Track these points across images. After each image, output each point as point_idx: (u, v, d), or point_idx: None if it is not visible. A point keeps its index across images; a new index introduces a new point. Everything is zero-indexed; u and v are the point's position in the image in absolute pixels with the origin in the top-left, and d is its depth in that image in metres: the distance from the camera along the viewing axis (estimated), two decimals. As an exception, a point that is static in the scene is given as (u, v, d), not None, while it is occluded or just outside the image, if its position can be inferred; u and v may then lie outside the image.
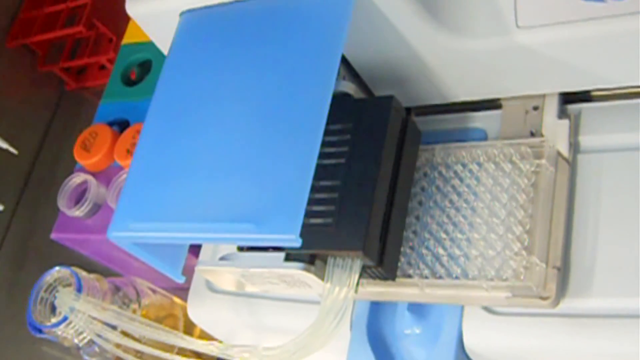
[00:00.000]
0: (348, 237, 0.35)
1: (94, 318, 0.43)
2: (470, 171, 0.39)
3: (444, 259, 0.38)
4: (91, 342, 0.47)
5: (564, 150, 0.38)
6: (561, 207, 0.37)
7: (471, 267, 0.37)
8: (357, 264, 0.36)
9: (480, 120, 0.42)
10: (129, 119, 0.55)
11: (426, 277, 0.38)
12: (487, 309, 0.38)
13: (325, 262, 0.37)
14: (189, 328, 0.54)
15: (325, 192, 0.37)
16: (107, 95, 0.58)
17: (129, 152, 0.51)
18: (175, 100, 0.37)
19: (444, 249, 0.38)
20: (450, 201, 0.39)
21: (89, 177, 0.52)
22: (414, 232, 0.39)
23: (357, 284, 0.36)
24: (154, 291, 0.51)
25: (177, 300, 0.53)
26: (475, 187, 0.39)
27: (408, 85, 0.41)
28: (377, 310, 0.41)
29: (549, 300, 0.35)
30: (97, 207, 0.52)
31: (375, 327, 0.41)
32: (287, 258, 0.37)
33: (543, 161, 0.38)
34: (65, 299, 0.44)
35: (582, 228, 0.37)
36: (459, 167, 0.40)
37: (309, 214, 0.37)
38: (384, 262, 0.36)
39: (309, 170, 0.31)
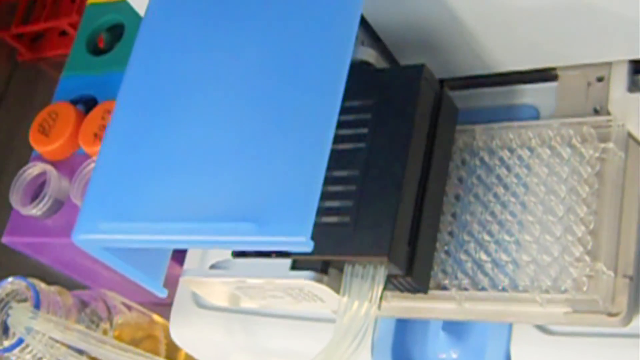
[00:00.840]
0: (370, 240, 0.35)
1: (56, 341, 0.42)
2: (520, 157, 0.39)
3: (488, 266, 0.37)
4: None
5: (637, 131, 0.37)
6: (633, 202, 0.36)
7: (521, 277, 0.36)
8: (381, 274, 0.35)
9: (531, 94, 0.41)
10: (97, 95, 0.54)
11: (465, 289, 0.37)
12: (541, 328, 0.37)
13: (341, 270, 0.36)
14: (172, 352, 0.53)
15: (341, 184, 0.36)
16: (70, 66, 0.57)
17: (97, 137, 0.50)
18: (155, 76, 0.37)
19: (488, 254, 0.37)
20: (495, 195, 0.38)
21: (49, 168, 0.51)
22: (450, 234, 0.38)
23: (381, 297, 0.35)
24: (129, 307, 0.50)
25: (157, 318, 0.53)
26: (526, 177, 0.38)
27: (441, 52, 0.40)
28: (404, 329, 0.41)
29: (619, 316, 0.35)
30: (58, 205, 0.51)
31: (402, 350, 0.40)
32: (294, 266, 0.36)
33: (610, 144, 0.37)
34: (20, 317, 0.43)
35: (659, 228, 0.36)
36: (505, 153, 0.39)
37: (321, 211, 0.36)
38: (413, 271, 0.36)
39: (321, 157, 0.30)
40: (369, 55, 0.38)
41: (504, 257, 0.37)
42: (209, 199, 0.32)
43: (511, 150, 0.39)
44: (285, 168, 0.31)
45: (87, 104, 0.54)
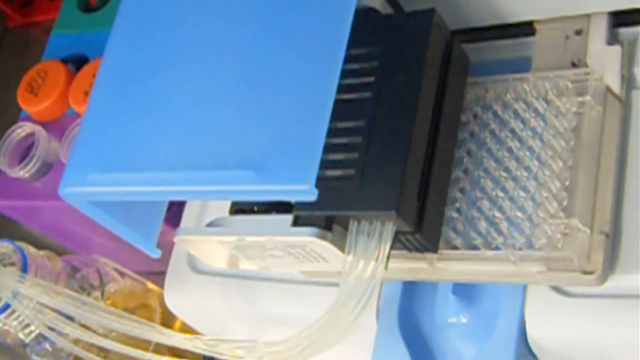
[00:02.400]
0: (377, 194, 0.33)
1: (45, 306, 0.40)
2: (495, 113, 0.37)
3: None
4: (40, 338, 0.44)
5: (615, 85, 0.36)
6: (610, 157, 0.35)
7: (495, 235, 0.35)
8: (389, 230, 0.33)
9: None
10: (88, 54, 0.52)
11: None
12: (557, 289, 0.35)
13: (345, 227, 0.34)
14: (168, 321, 0.51)
15: (345, 135, 0.34)
16: (60, 24, 0.55)
17: (88, 95, 0.48)
18: (146, 20, 0.35)
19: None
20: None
21: (37, 128, 0.49)
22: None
23: (388, 256, 0.33)
24: (122, 274, 0.48)
25: (151, 286, 0.51)
26: (500, 132, 0.36)
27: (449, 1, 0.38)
28: (411, 294, 0.39)
29: (594, 275, 0.33)
30: (47, 167, 0.49)
31: (409, 315, 0.38)
32: (296, 222, 0.34)
33: (587, 98, 0.35)
34: (6, 281, 0.41)
35: (637, 184, 0.35)
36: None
37: (324, 164, 0.34)
38: (423, 228, 0.34)
39: (326, 100, 0.28)
40: (375, 1, 0.36)
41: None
42: (205, 146, 0.30)
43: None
44: (287, 112, 0.29)
45: (78, 62, 0.51)
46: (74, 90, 0.49)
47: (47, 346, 0.45)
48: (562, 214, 0.34)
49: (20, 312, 0.40)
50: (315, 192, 0.28)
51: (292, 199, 0.28)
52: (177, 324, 0.52)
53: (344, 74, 0.30)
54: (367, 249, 0.33)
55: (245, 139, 0.29)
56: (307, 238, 0.33)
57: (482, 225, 0.35)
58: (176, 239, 0.37)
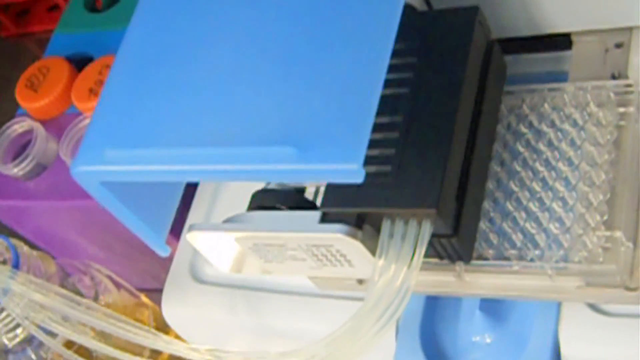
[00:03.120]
0: (415, 191, 0.31)
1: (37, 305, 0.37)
2: (530, 123, 0.35)
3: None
4: (25, 344, 0.41)
5: None
6: None
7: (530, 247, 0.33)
8: (426, 232, 0.31)
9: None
10: (92, 53, 0.49)
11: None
12: (594, 307, 0.33)
13: (377, 228, 0.32)
14: None
15: (382, 131, 0.32)
16: (65, 23, 0.52)
17: (93, 93, 0.46)
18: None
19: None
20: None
21: (36, 125, 0.46)
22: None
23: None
24: (118, 286, 0.45)
25: (146, 300, 0.48)
26: (536, 143, 0.35)
27: (488, 8, 0.36)
28: (433, 309, 0.36)
29: (637, 291, 0.31)
30: (41, 168, 0.46)
31: (431, 333, 0.36)
32: (324, 219, 0.32)
33: (631, 109, 0.34)
34: (-4, 277, 0.38)
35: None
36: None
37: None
38: (459, 232, 0.32)
39: (377, 74, 0.27)
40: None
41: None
42: (240, 121, 0.27)
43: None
44: (334, 87, 0.27)
45: (82, 62, 0.49)
46: (77, 86, 0.47)
47: (31, 354, 0.42)
48: (603, 227, 0.32)
49: (10, 311, 0.37)
50: (363, 173, 0.26)
51: (337, 179, 0.26)
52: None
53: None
54: (400, 252, 0.31)
55: (286, 114, 0.27)
56: (336, 235, 0.31)
57: (517, 237, 0.33)
58: (188, 235, 0.34)
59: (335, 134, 0.26)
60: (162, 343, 0.37)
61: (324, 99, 0.26)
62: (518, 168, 0.35)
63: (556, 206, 0.33)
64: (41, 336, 0.37)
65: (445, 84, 0.32)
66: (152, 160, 0.28)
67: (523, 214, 0.34)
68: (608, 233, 0.32)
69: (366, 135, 0.26)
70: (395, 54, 0.33)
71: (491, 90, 0.35)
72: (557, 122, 0.35)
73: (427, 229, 0.31)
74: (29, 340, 0.41)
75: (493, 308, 0.35)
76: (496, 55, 0.35)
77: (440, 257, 0.33)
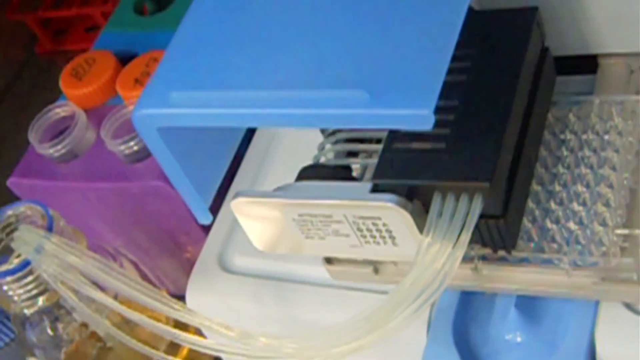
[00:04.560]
0: (469, 165, 0.31)
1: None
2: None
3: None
4: (43, 314, 0.41)
5: None
6: None
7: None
8: (477, 207, 0.31)
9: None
10: (138, 51, 0.50)
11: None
12: (631, 308, 0.33)
13: (427, 205, 0.32)
14: None
15: (437, 113, 0.33)
16: (113, 22, 0.53)
17: (138, 83, 0.46)
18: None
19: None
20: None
21: (79, 111, 0.47)
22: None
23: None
24: (143, 275, 0.45)
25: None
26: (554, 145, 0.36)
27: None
28: (466, 305, 0.36)
29: None
30: (74, 155, 0.47)
31: (462, 328, 0.36)
32: (375, 191, 0.32)
33: None
34: (29, 236, 0.38)
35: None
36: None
37: (410, 137, 0.33)
38: (508, 215, 0.32)
39: (452, 30, 0.27)
40: (472, 0, 0.36)
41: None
42: (312, 65, 0.28)
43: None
44: (409, 34, 0.28)
45: (128, 59, 0.50)
46: (123, 76, 0.47)
47: (47, 327, 0.41)
48: (622, 226, 0.33)
49: (43, 270, 0.37)
50: (433, 119, 0.26)
51: (408, 125, 0.26)
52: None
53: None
54: (447, 231, 0.31)
55: (359, 59, 0.27)
56: (386, 204, 0.31)
57: (535, 232, 0.34)
58: (233, 202, 0.34)
59: (408, 80, 0.26)
60: (189, 317, 0.36)
61: (398, 47, 0.27)
62: (541, 169, 0.35)
63: (576, 205, 0.34)
64: (73, 301, 0.37)
65: (503, 75, 0.33)
66: (219, 102, 0.29)
67: (542, 212, 0.34)
68: (627, 231, 0.32)
69: (439, 83, 0.26)
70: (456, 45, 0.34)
71: (543, 89, 0.35)
72: (579, 130, 0.36)
73: (478, 204, 0.31)
74: (49, 311, 0.41)
75: (528, 306, 0.35)
76: (549, 60, 0.36)
77: (484, 244, 0.33)
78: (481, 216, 0.31)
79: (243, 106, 0.28)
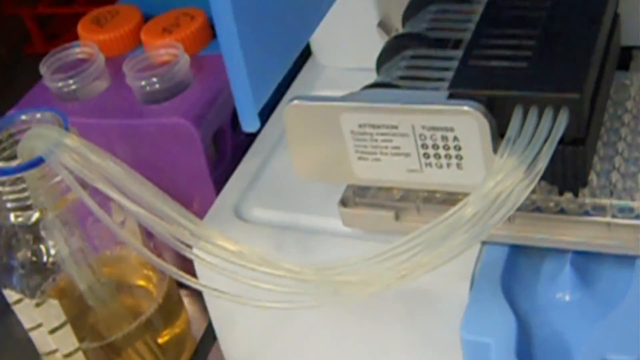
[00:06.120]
0: (555, 77, 0.29)
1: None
2: None
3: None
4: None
5: None
6: None
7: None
8: (561, 123, 0.29)
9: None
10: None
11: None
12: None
13: (504, 123, 0.30)
14: (172, 311, 0.43)
15: (518, 38, 0.32)
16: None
17: (167, 31, 0.44)
18: None
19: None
20: None
21: (100, 55, 0.44)
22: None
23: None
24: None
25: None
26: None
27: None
28: (514, 259, 0.33)
29: None
30: (82, 95, 0.43)
31: (508, 284, 0.33)
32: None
33: None
34: (46, 132, 0.34)
35: None
36: None
37: (489, 57, 0.31)
38: (589, 137, 0.30)
39: None
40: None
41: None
42: None
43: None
44: None
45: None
46: (150, 26, 0.45)
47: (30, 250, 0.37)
48: None
49: (65, 162, 0.33)
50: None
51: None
52: (184, 316, 0.43)
53: None
54: (525, 150, 0.29)
55: None
56: (466, 108, 0.29)
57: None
58: (288, 107, 0.32)
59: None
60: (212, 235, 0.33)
61: None
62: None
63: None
64: (85, 197, 0.33)
65: (585, 14, 0.32)
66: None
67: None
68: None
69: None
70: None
71: (611, 60, 0.34)
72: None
73: (563, 121, 0.29)
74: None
75: (583, 266, 0.33)
76: (619, 25, 0.35)
77: (552, 182, 0.31)
78: (560, 142, 0.30)
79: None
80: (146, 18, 0.47)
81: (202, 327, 0.45)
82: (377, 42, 0.41)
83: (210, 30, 0.45)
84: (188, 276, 0.35)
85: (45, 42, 0.72)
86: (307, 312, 0.37)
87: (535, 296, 0.33)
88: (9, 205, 0.36)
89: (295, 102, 0.32)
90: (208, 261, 0.33)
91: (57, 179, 0.36)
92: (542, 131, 0.29)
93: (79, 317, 0.39)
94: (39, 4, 0.70)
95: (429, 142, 0.31)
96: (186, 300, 0.45)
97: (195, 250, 0.34)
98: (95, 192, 0.35)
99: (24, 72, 0.74)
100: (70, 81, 0.43)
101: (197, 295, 0.45)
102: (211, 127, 0.42)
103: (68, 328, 0.37)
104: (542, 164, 0.29)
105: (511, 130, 0.30)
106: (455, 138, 0.30)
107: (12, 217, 0.36)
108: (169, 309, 0.42)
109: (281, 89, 0.44)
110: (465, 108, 0.29)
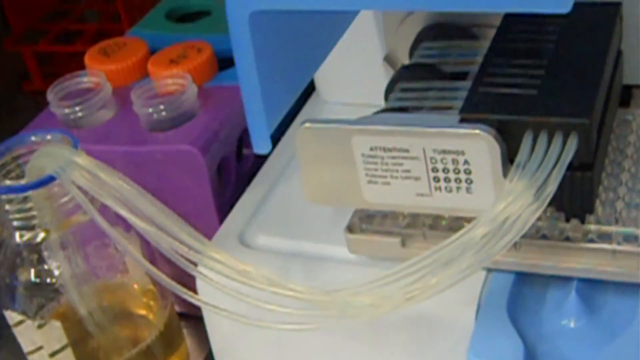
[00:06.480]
0: (564, 103, 0.30)
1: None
2: None
3: None
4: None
5: None
6: None
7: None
8: (570, 148, 0.29)
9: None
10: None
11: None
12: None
13: (514, 148, 0.30)
14: (170, 342, 0.43)
15: (525, 68, 0.32)
16: (145, 25, 0.52)
17: (174, 63, 0.44)
18: None
19: None
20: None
21: (107, 84, 0.44)
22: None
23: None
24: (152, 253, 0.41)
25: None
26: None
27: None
28: (519, 287, 0.34)
29: None
30: (86, 123, 0.44)
31: (515, 313, 0.33)
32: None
33: None
34: (56, 152, 0.34)
35: None
36: None
37: (500, 85, 0.32)
38: (596, 163, 0.30)
39: None
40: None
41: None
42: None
43: None
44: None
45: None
46: (157, 57, 0.46)
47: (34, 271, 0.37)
48: None
49: (75, 179, 0.33)
50: (571, 3, 0.25)
51: (545, 9, 0.25)
52: (183, 346, 0.43)
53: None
54: (535, 173, 0.30)
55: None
56: (477, 132, 0.30)
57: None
58: (300, 130, 0.32)
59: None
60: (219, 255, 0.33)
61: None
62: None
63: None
64: (95, 216, 0.33)
65: (591, 48, 0.33)
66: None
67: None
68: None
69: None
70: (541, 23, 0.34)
71: (615, 87, 0.35)
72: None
73: (572, 145, 0.30)
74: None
75: (588, 294, 0.33)
76: (621, 64, 0.36)
77: (559, 208, 0.32)
78: (569, 168, 0.30)
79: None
80: (152, 51, 0.48)
81: (201, 358, 0.45)
82: (380, 78, 0.41)
83: (216, 64, 0.46)
84: (191, 293, 0.35)
85: (44, 80, 0.73)
86: (311, 339, 0.37)
87: (541, 323, 0.33)
88: (15, 224, 0.36)
89: (307, 124, 0.32)
90: (215, 281, 0.33)
91: (64, 199, 0.36)
92: (551, 156, 0.30)
93: (80, 341, 0.39)
94: (40, 42, 0.71)
95: (440, 166, 0.31)
96: (184, 332, 0.45)
97: (200, 268, 0.34)
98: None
99: (22, 109, 0.75)
100: (77, 108, 0.43)
101: (196, 326, 0.45)
102: (216, 156, 0.42)
103: (69, 351, 0.37)
104: (551, 188, 0.30)
105: (521, 155, 0.30)
106: (465, 162, 0.31)
107: (17, 236, 0.36)
108: (169, 339, 0.42)
109: (285, 124, 0.45)
110: (477, 131, 0.30)
